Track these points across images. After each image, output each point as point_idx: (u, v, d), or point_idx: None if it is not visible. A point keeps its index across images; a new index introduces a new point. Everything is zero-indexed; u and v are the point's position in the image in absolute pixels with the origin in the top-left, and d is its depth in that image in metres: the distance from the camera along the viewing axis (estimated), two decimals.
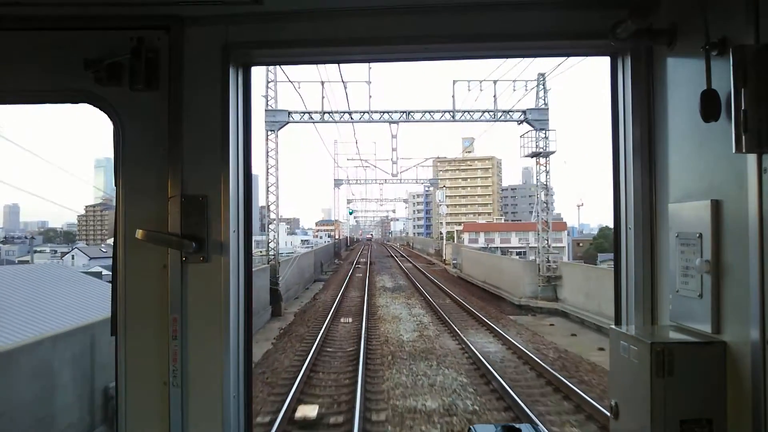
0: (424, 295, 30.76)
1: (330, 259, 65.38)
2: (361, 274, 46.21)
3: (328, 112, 31.17)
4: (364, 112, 31.20)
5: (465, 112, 30.50)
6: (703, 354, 1.98)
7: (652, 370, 1.96)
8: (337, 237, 76.14)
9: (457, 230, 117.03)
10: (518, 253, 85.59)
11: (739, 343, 1.89)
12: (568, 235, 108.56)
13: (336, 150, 72.98)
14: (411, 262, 62.04)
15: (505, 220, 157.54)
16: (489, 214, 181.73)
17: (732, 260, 1.93)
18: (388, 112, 31.30)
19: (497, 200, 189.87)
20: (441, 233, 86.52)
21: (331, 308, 26.09)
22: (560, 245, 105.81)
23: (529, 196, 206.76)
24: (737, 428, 1.91)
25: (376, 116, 31.19)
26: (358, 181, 72.53)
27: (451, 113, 30.24)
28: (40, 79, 2.53)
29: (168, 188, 2.46)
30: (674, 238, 2.23)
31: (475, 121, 31.04)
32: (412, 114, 30.97)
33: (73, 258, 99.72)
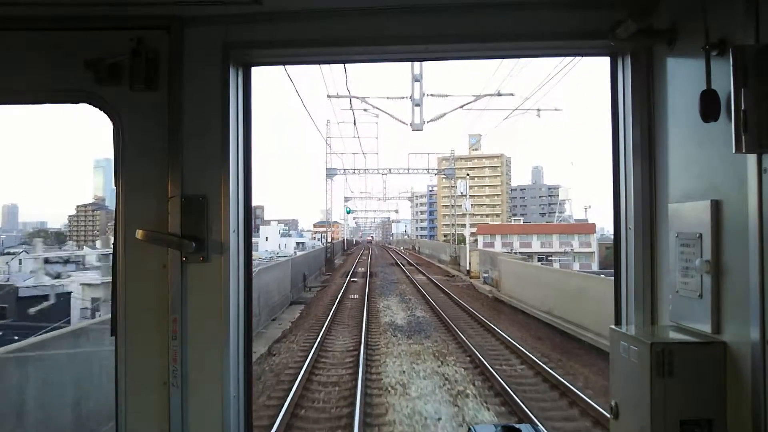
0: (468, 348, 16.67)
1: (320, 268, 51.26)
2: (357, 295, 31.81)
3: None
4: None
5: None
6: (703, 354, 1.97)
7: (652, 370, 1.95)
8: (330, 240, 62.33)
9: (452, 233, 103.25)
10: (540, 260, 71.72)
11: (739, 343, 1.89)
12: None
13: (328, 132, 59.58)
14: (423, 273, 47.79)
15: (524, 222, 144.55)
16: (498, 215, 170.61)
17: (732, 260, 1.93)
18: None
19: (506, 201, 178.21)
20: (456, 236, 73.11)
21: (292, 386, 12.51)
22: (589, 250, 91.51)
23: (540, 197, 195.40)
24: (737, 428, 1.90)
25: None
26: (356, 171, 58.79)
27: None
28: (40, 79, 2.54)
29: (168, 188, 2.46)
30: (674, 238, 2.22)
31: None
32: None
33: (20, 263, 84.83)
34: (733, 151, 1.79)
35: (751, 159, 1.79)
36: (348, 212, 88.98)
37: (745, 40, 1.80)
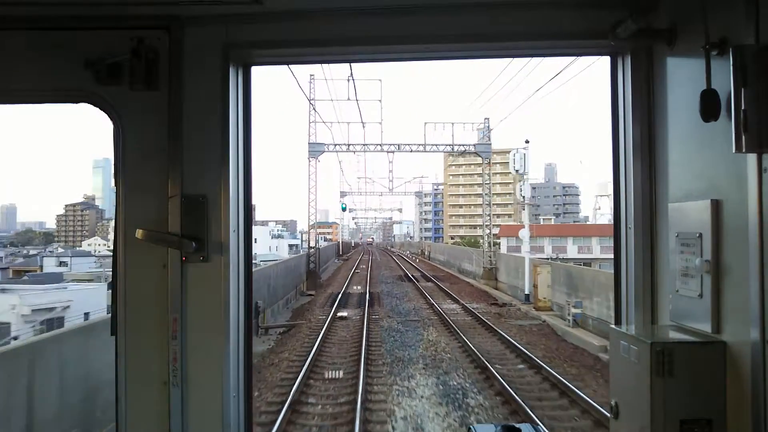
0: None
1: (297, 286, 34.58)
2: (340, 372, 14.91)
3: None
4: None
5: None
6: (703, 354, 1.97)
7: (652, 370, 1.94)
8: (315, 243, 45.10)
9: (487, 234, 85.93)
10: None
11: (739, 343, 1.88)
12: None
13: (312, 92, 42.13)
14: (452, 297, 30.79)
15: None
16: (510, 215, 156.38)
17: (732, 260, 1.92)
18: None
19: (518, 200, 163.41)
20: (471, 238, 57.22)
21: None
22: None
23: (554, 196, 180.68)
24: (737, 428, 1.89)
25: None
26: (352, 147, 41.55)
27: None
28: (40, 79, 2.52)
29: (168, 188, 2.44)
30: (674, 238, 2.22)
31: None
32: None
33: None
34: (733, 151, 1.79)
35: (751, 159, 1.79)
36: (343, 209, 72.18)
37: (745, 40, 1.80)
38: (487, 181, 42.52)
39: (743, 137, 1.75)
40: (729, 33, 1.87)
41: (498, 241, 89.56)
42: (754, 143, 1.74)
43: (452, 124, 40.25)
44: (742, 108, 1.76)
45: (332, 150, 40.67)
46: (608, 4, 2.34)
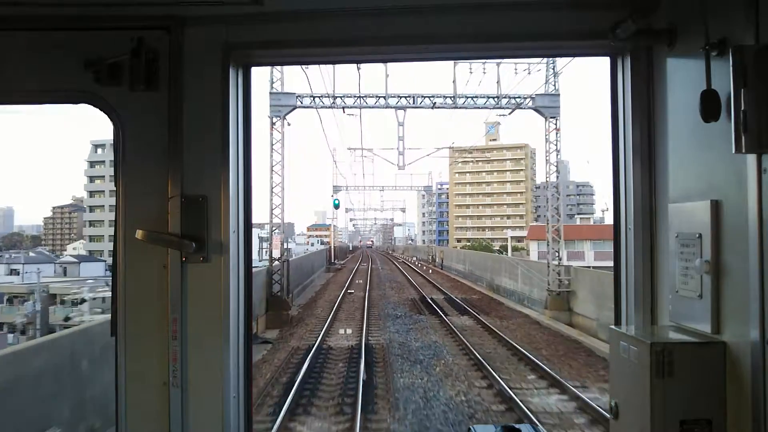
0: None
1: None
2: None
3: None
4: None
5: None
6: (703, 354, 1.97)
7: (652, 370, 1.95)
8: (281, 254, 30.60)
9: (511, 237, 73.31)
10: None
11: (739, 343, 1.88)
12: None
13: None
14: (527, 360, 15.71)
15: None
16: (521, 216, 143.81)
17: (732, 260, 1.93)
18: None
19: (531, 199, 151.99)
20: (484, 243, 43.41)
21: None
22: None
23: (567, 195, 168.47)
24: (737, 428, 1.89)
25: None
26: (340, 102, 24.37)
27: None
28: (40, 79, 2.53)
29: (168, 188, 2.44)
30: (674, 238, 2.22)
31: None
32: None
33: None
34: (733, 151, 1.79)
35: (751, 159, 1.79)
36: (336, 206, 57.53)
37: (745, 40, 1.80)
38: (555, 150, 27.45)
39: (743, 138, 1.75)
40: (729, 33, 1.87)
41: (519, 245, 74.31)
42: (754, 144, 1.75)
43: (497, 63, 25.36)
44: (742, 109, 1.76)
45: (309, 105, 25.73)
46: (608, 4, 2.35)
